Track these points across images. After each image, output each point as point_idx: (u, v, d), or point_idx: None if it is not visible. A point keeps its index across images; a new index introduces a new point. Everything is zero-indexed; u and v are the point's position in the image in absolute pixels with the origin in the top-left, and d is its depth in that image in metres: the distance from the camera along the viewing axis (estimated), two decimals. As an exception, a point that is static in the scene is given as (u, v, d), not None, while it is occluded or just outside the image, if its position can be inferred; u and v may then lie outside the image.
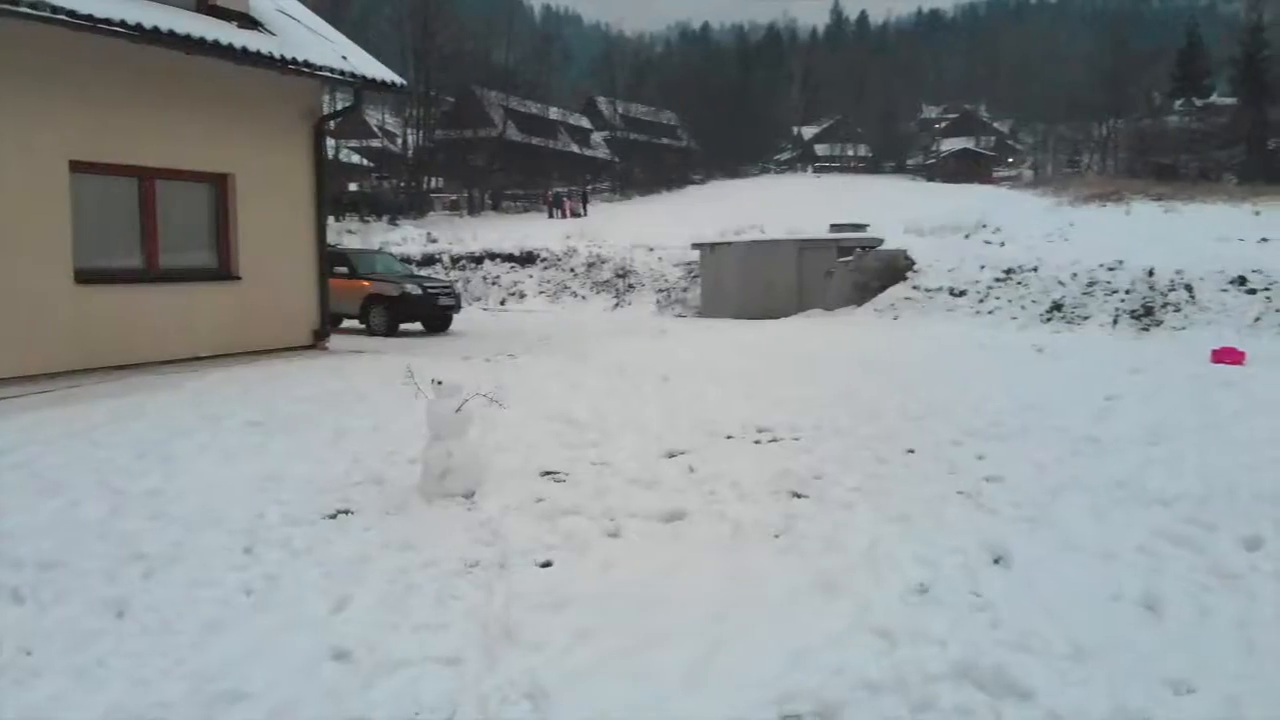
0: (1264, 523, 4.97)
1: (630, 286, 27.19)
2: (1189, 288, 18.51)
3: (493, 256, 30.66)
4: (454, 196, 55.62)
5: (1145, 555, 4.48)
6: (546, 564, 4.54)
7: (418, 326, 19.56)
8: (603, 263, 28.66)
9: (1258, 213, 26.49)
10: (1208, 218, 26.14)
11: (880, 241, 22.33)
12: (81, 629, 3.88)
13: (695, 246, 24.55)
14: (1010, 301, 19.90)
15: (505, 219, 47.27)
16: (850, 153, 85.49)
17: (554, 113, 66.71)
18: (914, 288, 20.83)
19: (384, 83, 14.17)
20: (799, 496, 5.62)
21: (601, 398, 9.21)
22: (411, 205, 48.62)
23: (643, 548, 4.71)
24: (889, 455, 6.77)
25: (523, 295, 28.76)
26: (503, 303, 28.48)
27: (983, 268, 21.12)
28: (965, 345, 15.56)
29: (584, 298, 27.70)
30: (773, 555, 4.56)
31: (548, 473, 6.31)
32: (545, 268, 29.44)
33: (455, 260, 30.79)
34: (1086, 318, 18.85)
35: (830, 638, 3.58)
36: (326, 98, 15.76)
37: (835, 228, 23.93)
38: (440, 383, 5.75)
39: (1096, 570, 4.30)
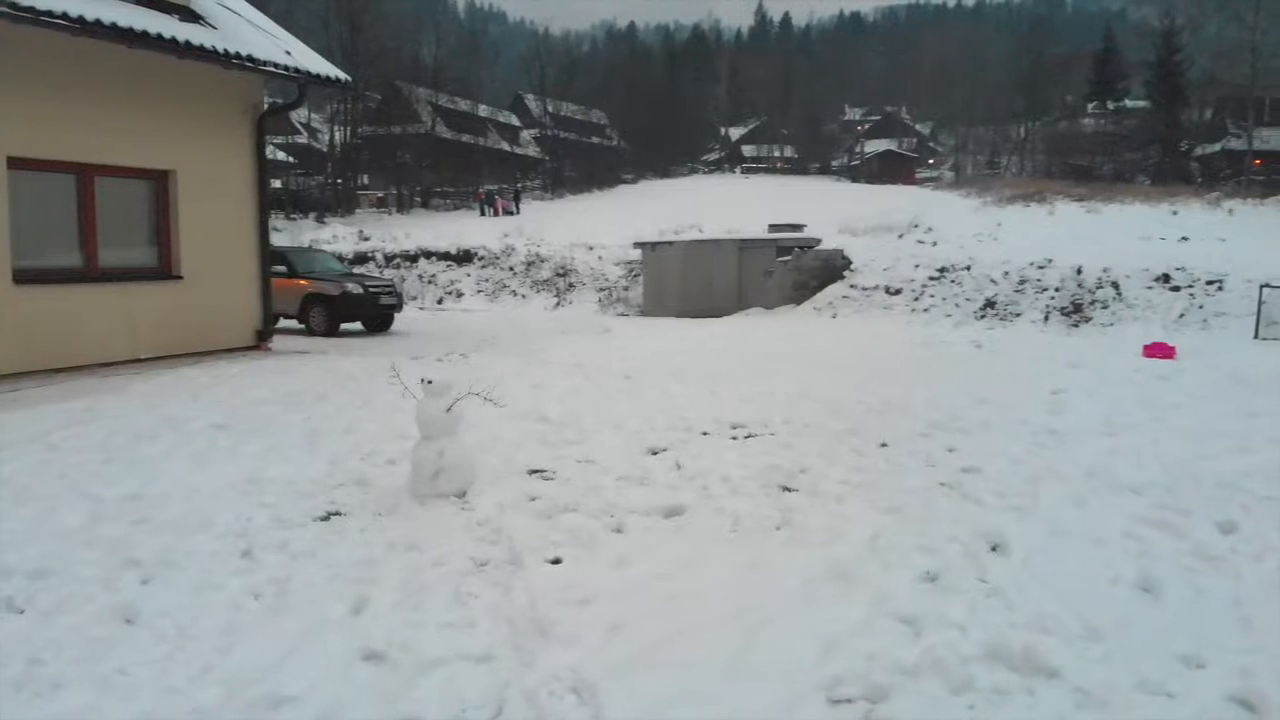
0: (1233, 508, 5.26)
1: (571, 285, 27.16)
2: (1116, 285, 19.25)
3: (428, 255, 30.32)
4: (381, 194, 54.75)
5: (1132, 540, 4.70)
6: (556, 561, 4.56)
7: (358, 326, 19.27)
8: (542, 261, 28.57)
9: (1175, 212, 27.70)
10: (1128, 217, 27.25)
11: (818, 241, 22.73)
12: (92, 637, 3.78)
13: (637, 246, 24.65)
14: (945, 299, 20.45)
15: (435, 217, 46.74)
16: (776, 154, 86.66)
17: (483, 110, 66.17)
18: (851, 286, 21.26)
19: (328, 79, 13.94)
20: (789, 490, 5.74)
21: (569, 396, 9.23)
22: (339, 203, 47.75)
23: (649, 543, 4.76)
24: (864, 449, 6.94)
25: (460, 294, 28.51)
26: (440, 302, 28.18)
27: (917, 266, 21.66)
28: (907, 342, 15.96)
29: (524, 297, 27.58)
30: (779, 547, 4.65)
31: (534, 471, 6.32)
32: (483, 266, 29.22)
33: (389, 259, 30.36)
34: (1019, 315, 19.48)
35: (856, 625, 3.69)
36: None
37: (774, 228, 24.27)
38: (430, 382, 5.70)
39: (1090, 555, 4.50)
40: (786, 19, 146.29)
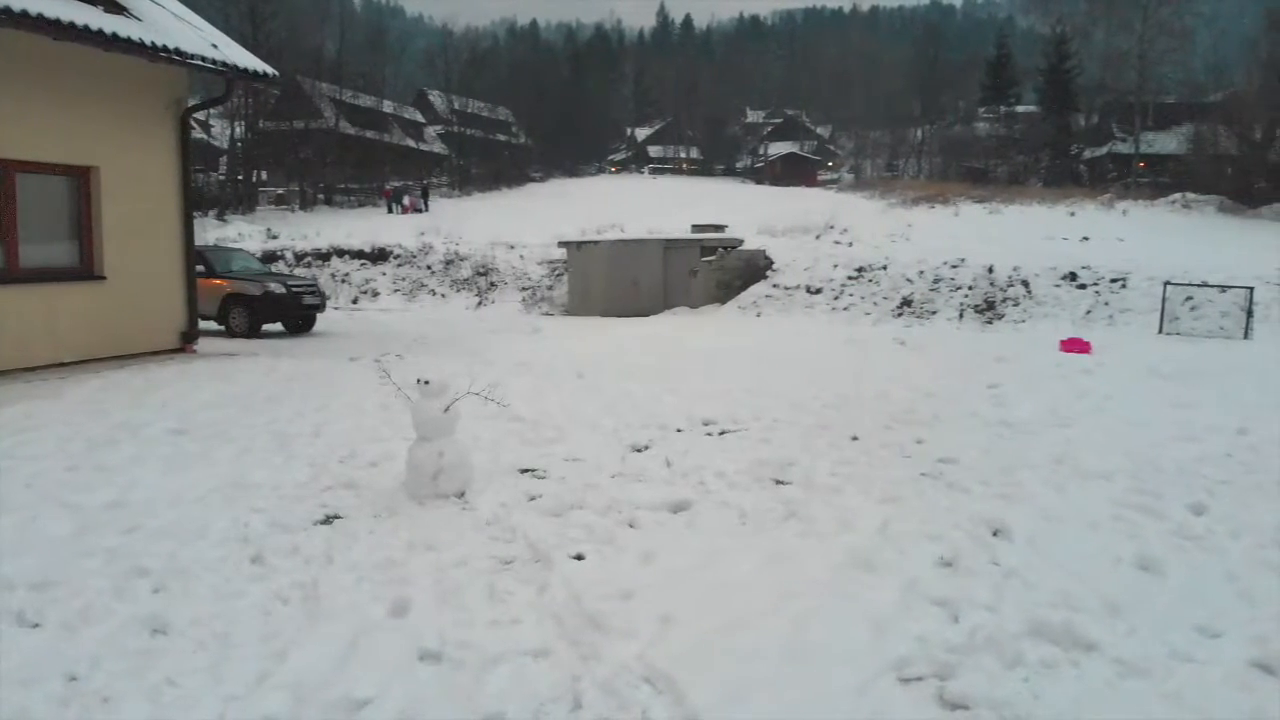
0: (1198, 491, 5.64)
1: (492, 285, 26.95)
2: (1026, 284, 20.13)
3: (341, 253, 29.66)
4: (281, 191, 53.23)
5: (1121, 523, 5.01)
6: (579, 557, 4.60)
7: (278, 327, 18.77)
8: (461, 260, 28.27)
9: (1072, 214, 29.06)
10: (1030, 218, 28.49)
11: (740, 242, 23.11)
12: (126, 649, 3.67)
13: (561, 245, 24.64)
14: (864, 298, 21.05)
15: (340, 214, 45.69)
16: (682, 155, 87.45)
17: (387, 106, 64.94)
18: (774, 286, 21.69)
19: (256, 73, 13.55)
20: (782, 483, 5.90)
21: (533, 397, 9.21)
22: (239, 200, 46.22)
23: (666, 537, 4.84)
24: (839, 442, 7.16)
25: (376, 294, 27.98)
26: (355, 301, 27.60)
27: (836, 266, 22.23)
28: (835, 340, 16.38)
29: (443, 296, 27.23)
30: (795, 538, 4.80)
31: (525, 470, 6.33)
32: (399, 265, 28.74)
33: (300, 257, 29.58)
34: (934, 312, 20.18)
35: (895, 610, 3.85)
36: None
37: (697, 228, 24.56)
38: (428, 382, 5.66)
39: (1087, 538, 4.78)
40: (688, 20, 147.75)
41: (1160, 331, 17.55)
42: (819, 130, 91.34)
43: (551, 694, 3.27)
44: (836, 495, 5.59)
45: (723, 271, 21.90)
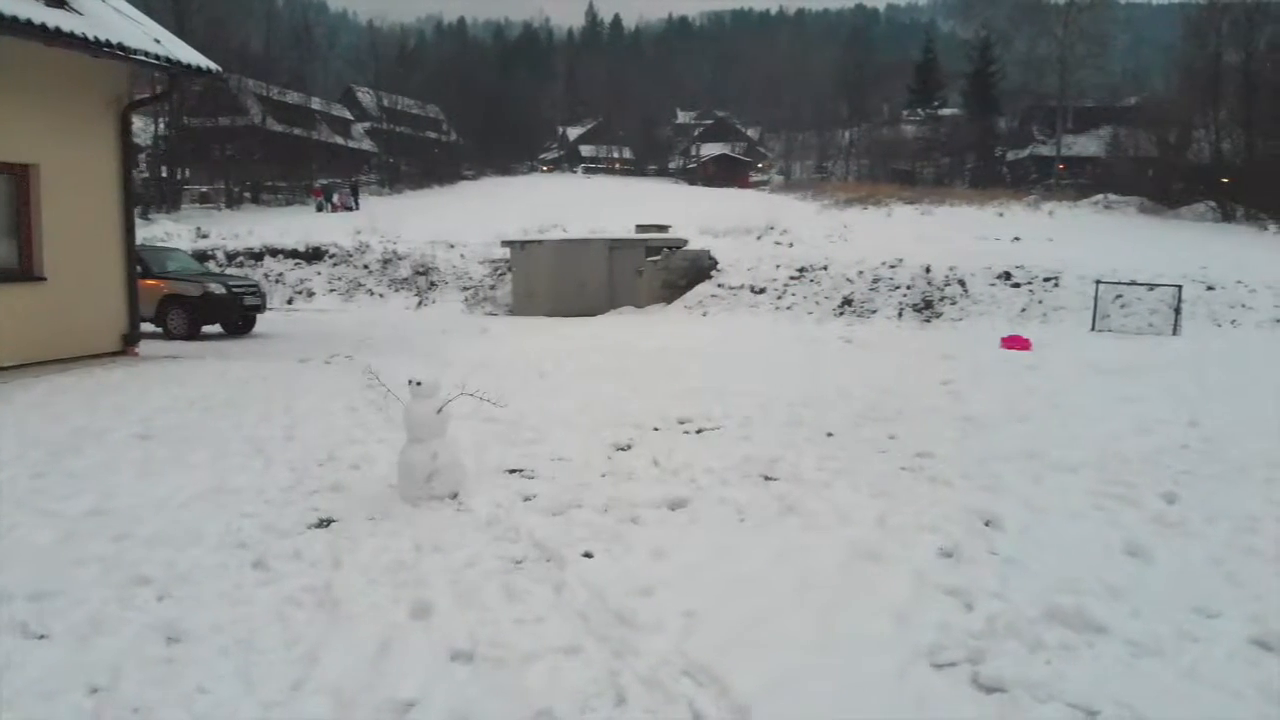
0: (1166, 481, 5.91)
1: (433, 284, 26.66)
2: (962, 283, 20.67)
3: (274, 252, 29.02)
4: (205, 189, 51.83)
5: (1102, 512, 5.23)
6: (588, 555, 4.63)
7: (217, 329, 18.33)
8: (399, 259, 27.91)
9: (1001, 214, 29.93)
10: (961, 219, 29.24)
11: (685, 242, 23.29)
12: (146, 658, 3.60)
13: (505, 244, 24.50)
14: (806, 298, 21.39)
15: (268, 212, 44.67)
16: (615, 155, 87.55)
17: (315, 103, 63.71)
18: (719, 286, 21.91)
19: (199, 69, 13.25)
20: (771, 479, 6.01)
21: (499, 397, 9.17)
22: (162, 198, 44.89)
23: (671, 534, 4.90)
24: (816, 439, 7.31)
25: (311, 294, 27.46)
26: (290, 302, 27.03)
27: (779, 267, 22.54)
28: (783, 339, 16.64)
29: (381, 296, 26.85)
30: (799, 532, 4.90)
31: (513, 470, 6.33)
32: (335, 264, 28.25)
33: (231, 256, 28.86)
34: (875, 311, 20.60)
35: (911, 599, 3.98)
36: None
37: (641, 228, 24.66)
38: (420, 383, 5.62)
39: (1074, 526, 4.98)
40: (617, 20, 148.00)
41: (1093, 329, 18.19)
42: (749, 132, 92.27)
43: (593, 689, 3.30)
44: (826, 490, 5.72)
45: (668, 271, 22.04)
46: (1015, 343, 15.49)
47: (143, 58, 12.00)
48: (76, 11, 11.54)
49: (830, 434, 7.49)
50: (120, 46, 11.51)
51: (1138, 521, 5.06)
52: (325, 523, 5.25)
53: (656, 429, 7.70)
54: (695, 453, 6.67)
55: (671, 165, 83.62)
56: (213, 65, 13.71)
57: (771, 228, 26.93)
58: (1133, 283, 19.22)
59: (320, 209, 46.35)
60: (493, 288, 26.03)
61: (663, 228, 24.65)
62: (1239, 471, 6.25)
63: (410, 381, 5.67)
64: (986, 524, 5.02)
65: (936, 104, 63.57)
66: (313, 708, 3.20)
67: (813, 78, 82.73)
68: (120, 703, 3.29)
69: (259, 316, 19.20)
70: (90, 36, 11.07)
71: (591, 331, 17.63)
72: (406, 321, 21.85)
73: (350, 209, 46.01)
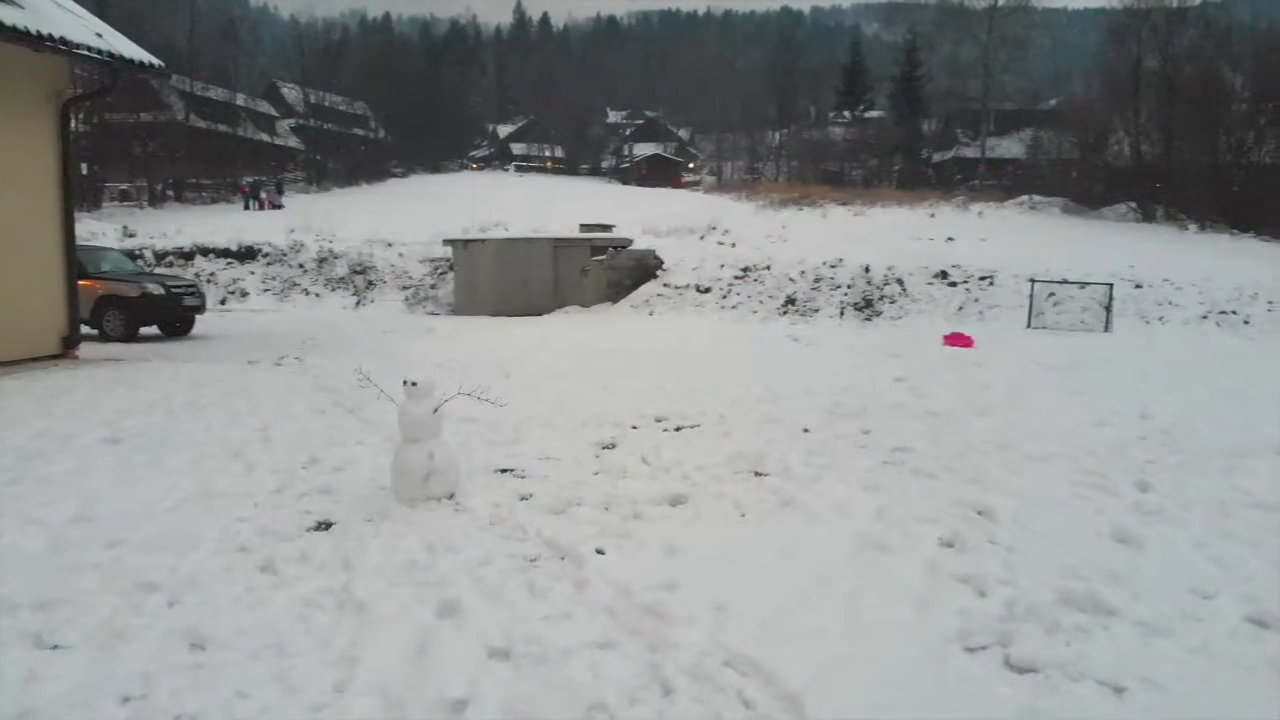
0: (1135, 471, 6.19)
1: (371, 284, 26.28)
2: (901, 282, 21.15)
3: (205, 251, 28.30)
4: (125, 186, 50.20)
5: (1085, 501, 5.45)
6: (600, 552, 4.67)
7: (154, 330, 17.82)
8: (335, 258, 27.45)
9: (932, 215, 30.64)
10: (894, 220, 29.87)
11: (630, 241, 23.38)
12: (176, 665, 3.54)
13: (447, 243, 24.29)
14: (750, 297, 21.65)
15: (192, 211, 43.52)
16: (547, 153, 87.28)
17: (240, 99, 62.17)
18: (665, 285, 22.05)
19: (142, 64, 12.89)
20: (762, 475, 6.12)
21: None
22: (82, 196, 43.27)
23: (678, 530, 4.96)
24: (794, 434, 7.46)
25: (244, 294, 26.84)
26: (223, 302, 26.37)
27: (723, 266, 22.78)
28: (733, 338, 16.84)
29: (318, 296, 26.37)
30: (802, 526, 5.01)
31: (503, 470, 6.33)
32: (269, 263, 27.65)
33: (160, 256, 28.05)
34: (817, 310, 20.96)
35: (927, 587, 4.12)
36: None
37: (585, 227, 24.66)
38: (415, 384, 5.59)
39: (1061, 515, 5.19)
40: (545, 18, 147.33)
41: (1028, 326, 18.78)
42: (680, 132, 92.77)
43: (638, 682, 3.35)
44: (817, 484, 5.84)
45: (613, 271, 22.10)
46: (958, 340, 15.91)
47: (85, 52, 11.66)
48: (17, 4, 11.16)
49: (807, 430, 7.64)
50: (63, 41, 11.17)
51: (1119, 509, 5.29)
52: (324, 525, 5.20)
53: (635, 427, 7.76)
54: (683, 450, 6.74)
55: (604, 165, 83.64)
56: (155, 61, 13.35)
57: (714, 228, 27.20)
58: (1064, 281, 19.89)
59: (246, 207, 45.33)
60: (434, 287, 25.77)
61: (607, 227, 24.69)
62: (1200, 460, 6.56)
63: (406, 382, 5.64)
64: (980, 514, 5.20)
65: (863, 107, 64.87)
66: (362, 709, 3.20)
67: (742, 79, 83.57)
68: (159, 710, 3.24)
69: (197, 318, 18.70)
70: (32, 30, 10.71)
71: (542, 331, 17.60)
72: (347, 322, 21.52)
73: (278, 207, 45.11)
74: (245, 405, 8.95)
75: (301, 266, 27.44)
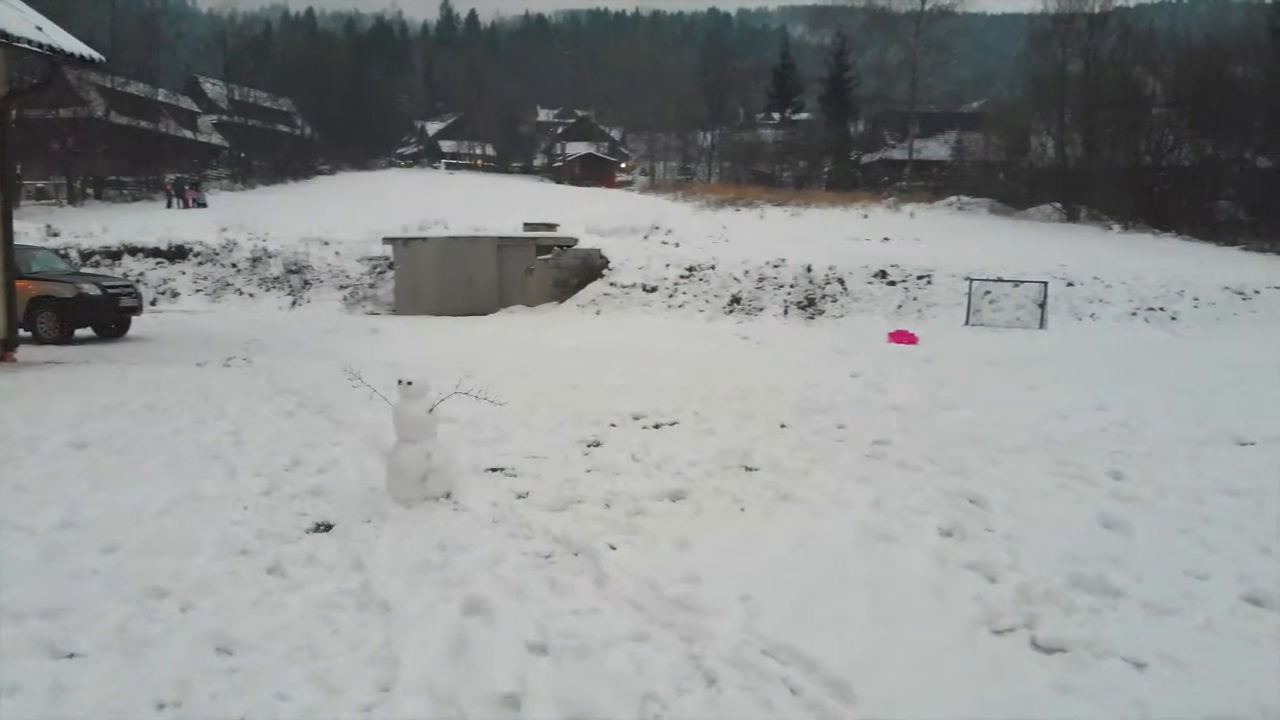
0: (1106, 460, 6.44)
1: (307, 283, 25.77)
2: (842, 281, 21.54)
3: (134, 251, 27.40)
4: (42, 183, 48.36)
5: (1066, 490, 5.67)
6: (612, 547, 4.71)
7: (88, 332, 17.25)
8: (270, 257, 26.85)
9: (866, 216, 31.25)
10: (829, 221, 30.40)
11: (575, 241, 23.36)
12: (208, 669, 3.49)
13: (387, 241, 23.96)
14: (696, 296, 21.83)
15: (114, 209, 42.07)
16: (478, 151, 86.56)
17: (163, 95, 60.34)
18: (611, 284, 22.09)
19: (82, 58, 12.52)
20: (752, 469, 6.21)
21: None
22: (-4, 193, 41.56)
23: (684, 525, 5.03)
24: (773, 429, 7.58)
25: (176, 294, 26.07)
26: (154, 303, 25.49)
27: (668, 266, 22.92)
28: (685, 335, 16.97)
29: (252, 296, 25.76)
30: (805, 518, 5.12)
31: (493, 469, 6.33)
32: (201, 263, 26.92)
33: (86, 256, 27.06)
34: (762, 309, 21.22)
35: (939, 575, 4.25)
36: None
37: (529, 226, 24.58)
38: (410, 383, 5.56)
39: (1047, 504, 5.39)
40: (473, 15, 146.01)
41: (967, 323, 19.29)
42: (612, 132, 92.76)
43: (681, 672, 3.41)
44: (808, 478, 5.97)
45: (559, 270, 22.07)
46: (903, 338, 16.29)
47: (25, 45, 11.27)
48: (-50, -5, 10.74)
49: (784, 425, 7.77)
50: (3, 34, 10.77)
51: (1100, 497, 5.51)
52: (323, 527, 5.14)
53: (615, 425, 7.80)
54: (670, 447, 6.81)
55: (536, 163, 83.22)
56: (95, 54, 12.99)
57: (657, 227, 27.34)
58: (999, 280, 20.48)
59: (169, 205, 44.02)
60: (373, 286, 25.40)
61: (551, 226, 24.64)
62: (1163, 450, 6.86)
63: (401, 381, 5.60)
64: (972, 503, 5.37)
65: (791, 109, 65.76)
66: (412, 708, 3.19)
67: (672, 79, 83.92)
68: (199, 716, 3.19)
69: (133, 319, 18.15)
70: (-29, 22, 10.33)
71: (491, 331, 17.50)
72: (286, 322, 21.08)
73: (201, 205, 43.92)
74: (208, 407, 8.76)
75: (235, 266, 26.79)
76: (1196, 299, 19.53)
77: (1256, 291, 19.83)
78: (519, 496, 5.65)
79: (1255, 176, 33.33)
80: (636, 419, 8.07)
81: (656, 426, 7.77)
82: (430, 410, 5.60)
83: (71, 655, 3.65)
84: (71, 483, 5.97)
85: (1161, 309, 19.28)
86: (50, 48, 11.59)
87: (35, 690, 3.36)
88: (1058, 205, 34.16)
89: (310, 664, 3.52)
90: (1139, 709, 3.05)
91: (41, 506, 5.40)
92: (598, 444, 7.03)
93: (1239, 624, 3.76)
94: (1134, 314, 19.28)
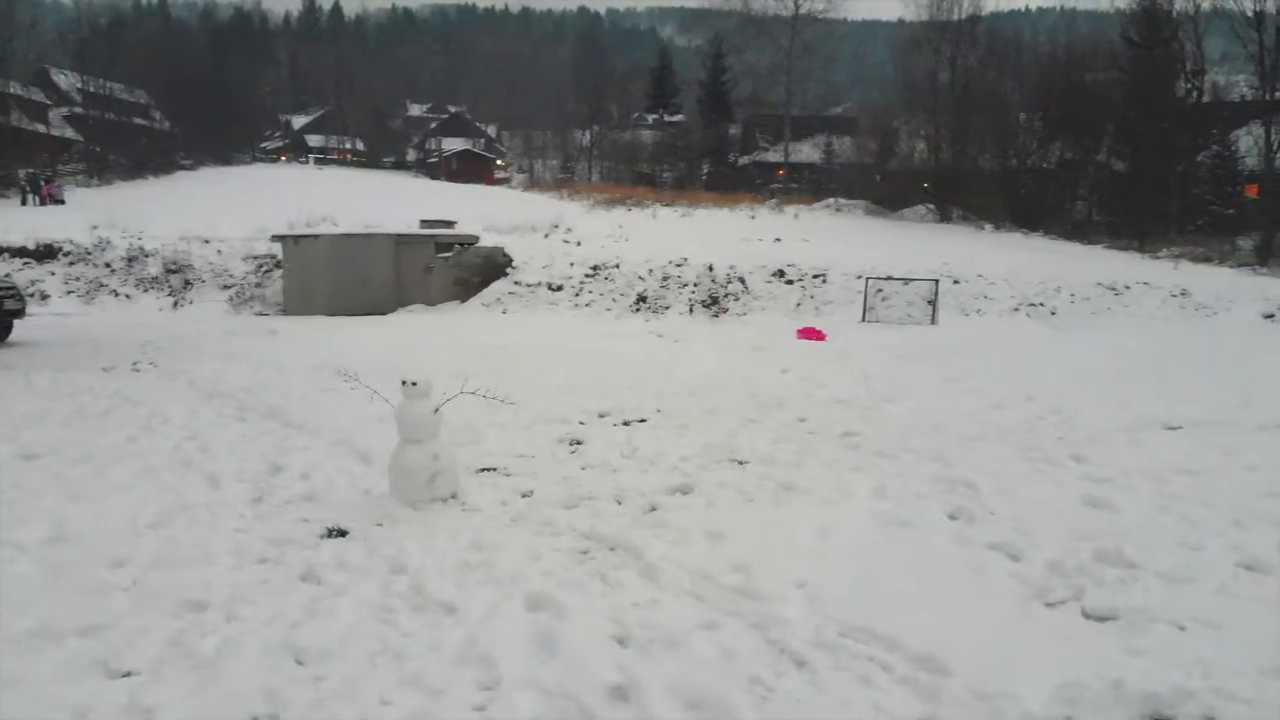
0: (1061, 446, 6.88)
1: (188, 284, 24.57)
2: (743, 280, 22.02)
3: (-6, 250, 25.58)
4: (-127, 179, 44.56)
5: (1041, 474, 6.06)
6: (651, 541, 4.78)
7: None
8: (147, 256, 25.49)
9: (753, 217, 32.00)
10: (719, 221, 31.01)
11: (476, 239, 23.09)
12: (294, 679, 3.43)
13: (275, 239, 23.10)
14: (603, 295, 21.91)
15: (-45, 206, 39.19)
16: (346, 145, 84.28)
17: (14, 87, 56.30)
18: (516, 283, 21.94)
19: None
20: (742, 463, 6.39)
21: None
22: None
23: (703, 518, 5.13)
24: (746, 425, 7.77)
25: (45, 296, 24.37)
26: (17, 306, 23.97)
27: (573, 264, 22.92)
28: (602, 334, 17.02)
29: (128, 297, 24.36)
30: (815, 508, 5.32)
31: (484, 469, 6.30)
32: (71, 263, 25.30)
33: (-61, 257, 25.15)
34: (668, 307, 21.46)
35: (968, 557, 4.52)
36: None
37: (425, 223, 24.11)
38: (414, 384, 5.49)
39: (1030, 486, 5.77)
40: (337, 8, 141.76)
41: (863, 320, 20.01)
42: (487, 129, 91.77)
43: (766, 656, 3.54)
44: (801, 469, 6.18)
45: (460, 268, 21.76)
46: (811, 334, 16.81)
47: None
48: None
49: (752, 420, 7.98)
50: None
51: (1075, 480, 5.92)
52: (337, 532, 5.05)
53: (584, 423, 7.85)
54: (653, 443, 6.91)
55: (409, 158, 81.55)
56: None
57: (557, 226, 27.29)
58: (890, 278, 21.33)
59: (24, 202, 41.21)
60: (259, 286, 24.43)
61: (449, 223, 24.23)
62: (1104, 436, 7.37)
63: (404, 382, 5.53)
64: (967, 485, 5.68)
65: (668, 111, 66.64)
66: (526, 705, 3.22)
67: (547, 76, 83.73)
68: (312, 726, 3.14)
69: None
70: None
71: (398, 332, 17.13)
72: (171, 324, 20.05)
73: (59, 201, 41.29)
74: (146, 414, 8.35)
75: (109, 266, 25.30)
76: (1073, 294, 20.83)
77: (1127, 287, 21.30)
78: (524, 495, 5.66)
79: (1110, 179, 35.76)
80: (603, 416, 8.13)
81: (627, 424, 7.85)
82: (435, 410, 5.54)
83: (128, 674, 3.52)
84: (41, 495, 5.65)
85: (1042, 304, 20.48)
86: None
87: (107, 713, 3.22)
88: (930, 206, 35.78)
89: (397, 667, 3.50)
90: (1201, 666, 3.35)
91: (23, 522, 5.11)
92: (579, 442, 7.07)
93: (1246, 588, 4.15)
94: (1016, 309, 20.41)
